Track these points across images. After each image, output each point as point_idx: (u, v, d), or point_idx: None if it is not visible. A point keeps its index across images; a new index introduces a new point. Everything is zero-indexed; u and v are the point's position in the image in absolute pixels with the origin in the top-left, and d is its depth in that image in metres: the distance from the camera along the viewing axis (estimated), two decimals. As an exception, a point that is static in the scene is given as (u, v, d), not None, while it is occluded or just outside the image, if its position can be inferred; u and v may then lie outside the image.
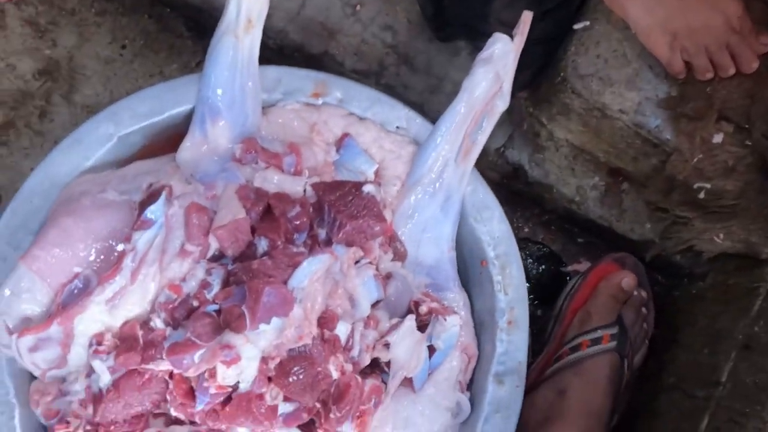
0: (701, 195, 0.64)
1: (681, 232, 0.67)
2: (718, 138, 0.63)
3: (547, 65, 0.72)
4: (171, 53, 0.79)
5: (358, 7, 0.75)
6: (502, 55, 0.60)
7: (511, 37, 0.60)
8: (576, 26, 0.67)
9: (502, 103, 0.61)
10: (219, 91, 0.61)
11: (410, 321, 0.58)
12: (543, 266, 0.80)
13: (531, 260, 0.80)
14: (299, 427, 0.56)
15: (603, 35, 0.66)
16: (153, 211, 0.56)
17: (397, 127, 0.66)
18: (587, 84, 0.65)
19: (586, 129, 0.69)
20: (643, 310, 0.70)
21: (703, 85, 0.63)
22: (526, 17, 0.60)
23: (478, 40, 0.75)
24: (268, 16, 0.63)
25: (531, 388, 0.63)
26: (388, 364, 0.58)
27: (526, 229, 0.81)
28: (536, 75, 0.73)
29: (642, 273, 0.71)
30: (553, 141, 0.73)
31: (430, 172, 0.63)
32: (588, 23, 0.66)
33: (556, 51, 0.71)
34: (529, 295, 0.78)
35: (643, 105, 0.64)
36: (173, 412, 0.55)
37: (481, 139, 0.63)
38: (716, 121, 0.63)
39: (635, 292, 0.69)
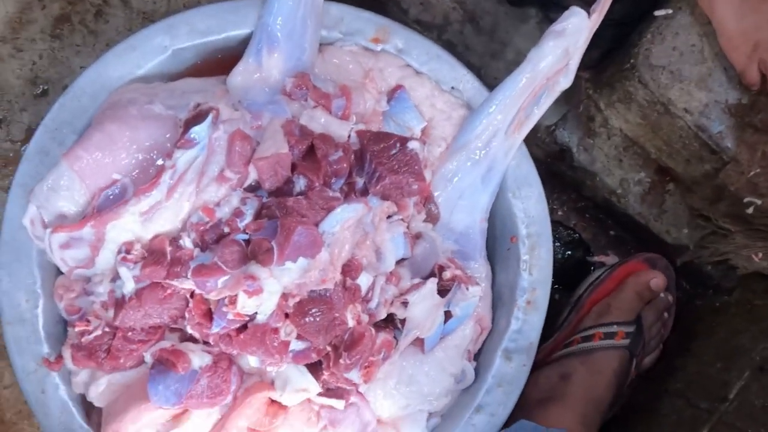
0: (749, 210, 0.62)
1: (719, 244, 0.66)
2: (781, 154, 0.60)
3: (617, 48, 0.69)
4: (234, -29, 0.77)
5: (433, -45, 0.72)
6: (575, 31, 0.58)
7: (589, 13, 0.57)
8: (657, 12, 0.64)
9: (566, 82, 0.59)
10: (280, 21, 0.59)
11: (432, 284, 0.58)
12: (569, 252, 0.80)
13: (559, 244, 0.79)
14: (306, 365, 0.57)
15: (683, 27, 0.63)
16: (197, 132, 0.56)
17: (452, 88, 0.64)
18: (656, 75, 0.62)
19: (644, 122, 0.67)
20: (666, 314, 0.69)
21: (777, 97, 0.60)
22: None
23: (551, 10, 0.72)
24: None
25: (535, 367, 0.64)
26: (403, 321, 0.58)
27: (560, 213, 0.80)
28: (604, 56, 0.70)
29: (672, 277, 0.70)
30: (606, 128, 0.71)
31: (478, 139, 0.61)
32: (670, 11, 0.63)
33: (630, 35, 0.68)
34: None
35: (710, 107, 0.62)
36: (189, 330, 0.56)
37: (537, 114, 0.61)
38: (784, 136, 0.60)
39: (661, 295, 0.68)
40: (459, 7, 0.72)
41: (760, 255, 0.63)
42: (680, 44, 0.62)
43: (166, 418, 0.56)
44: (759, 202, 0.61)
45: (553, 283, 0.79)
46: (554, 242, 0.79)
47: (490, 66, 0.72)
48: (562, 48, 0.58)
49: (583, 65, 0.63)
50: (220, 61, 0.64)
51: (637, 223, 0.74)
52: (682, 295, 0.76)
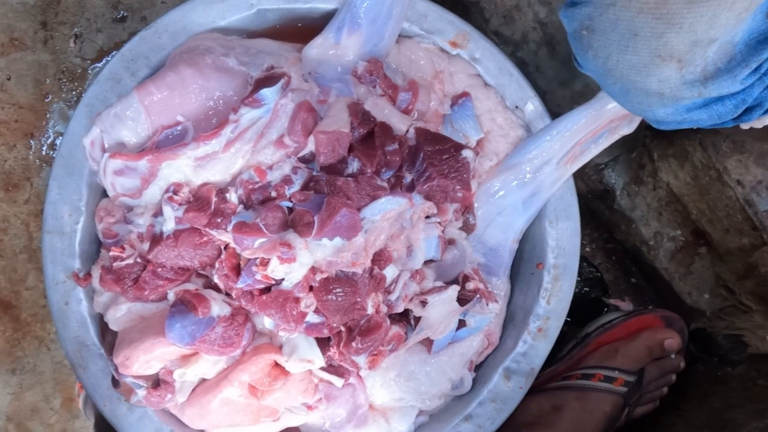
0: (775, 293, 0.63)
1: (736, 318, 0.67)
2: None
3: (683, 104, 0.70)
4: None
5: (526, -29, 0.72)
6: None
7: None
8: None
9: (629, 128, 0.60)
10: (366, 4, 0.60)
11: (453, 291, 0.60)
12: (587, 289, 0.81)
13: (579, 279, 0.80)
14: (316, 338, 0.59)
15: (756, 100, 0.63)
16: (266, 94, 0.58)
17: (516, 107, 0.65)
18: (718, 141, 0.63)
19: (694, 183, 0.68)
20: (673, 376, 0.70)
21: (833, 191, 0.60)
22: None
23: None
24: None
25: (530, 392, 0.65)
26: (417, 319, 0.60)
27: (588, 249, 0.81)
28: (669, 109, 0.70)
29: (685, 340, 0.71)
30: (654, 179, 0.72)
31: (529, 163, 0.63)
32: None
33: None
34: (563, 309, 0.79)
35: (763, 185, 0.62)
36: (215, 279, 0.58)
37: (592, 152, 0.62)
38: (827, 231, 0.60)
39: (672, 356, 0.69)
40: (540, 28, 0.72)
41: (775, 338, 0.64)
42: (749, 116, 0.63)
43: (176, 355, 0.58)
44: (790, 290, 0.62)
45: (566, 315, 0.80)
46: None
47: (556, 92, 0.72)
48: (634, 94, 0.59)
49: (649, 114, 0.63)
50: (299, 29, 0.66)
51: (661, 278, 0.74)
52: (686, 355, 0.77)
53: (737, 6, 0.41)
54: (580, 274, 0.81)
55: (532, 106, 0.65)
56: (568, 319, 0.80)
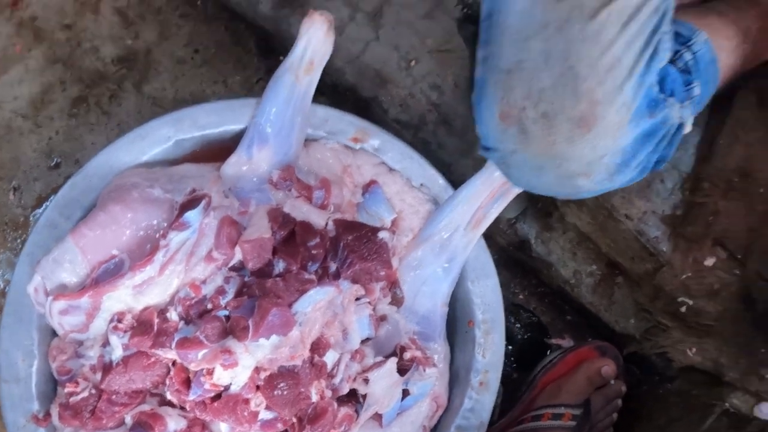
0: (683, 309, 0.69)
1: (659, 337, 0.72)
2: (709, 261, 0.68)
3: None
4: (237, 66, 0.87)
5: (412, 63, 0.81)
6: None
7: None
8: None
9: (517, 189, 0.67)
10: (271, 121, 0.68)
11: (392, 363, 0.64)
12: (529, 334, 0.86)
13: (519, 326, 0.86)
14: (275, 433, 0.63)
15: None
16: (190, 217, 0.64)
17: (421, 185, 0.72)
18: (601, 185, 0.71)
19: (594, 222, 0.75)
20: (618, 401, 0.74)
21: (707, 212, 0.68)
22: None
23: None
24: (331, 55, 0.69)
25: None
26: (364, 396, 0.64)
27: (521, 296, 0.87)
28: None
29: (621, 365, 0.76)
30: (562, 224, 0.79)
31: (441, 232, 0.69)
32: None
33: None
34: (510, 357, 0.84)
35: (647, 215, 0.69)
36: (168, 396, 0.62)
37: (493, 214, 0.69)
38: (712, 245, 0.68)
39: (612, 382, 0.74)
40: (434, 109, 0.81)
41: (694, 350, 0.69)
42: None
43: (141, 477, 0.60)
44: (690, 302, 0.68)
45: (513, 363, 0.85)
46: (515, 323, 0.86)
47: (460, 163, 0.80)
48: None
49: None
50: (217, 150, 0.72)
51: (590, 311, 0.80)
52: (632, 379, 0.82)
53: (610, 131, 0.50)
54: (519, 320, 0.86)
55: (436, 181, 0.72)
56: (517, 366, 0.85)
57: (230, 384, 0.59)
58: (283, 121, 0.68)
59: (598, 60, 0.48)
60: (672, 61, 0.55)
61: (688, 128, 0.57)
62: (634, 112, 0.50)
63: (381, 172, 0.72)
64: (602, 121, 0.49)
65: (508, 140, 0.53)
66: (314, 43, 0.68)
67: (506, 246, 0.83)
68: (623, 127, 0.50)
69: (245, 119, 0.70)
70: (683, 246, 0.68)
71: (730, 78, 0.64)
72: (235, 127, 0.70)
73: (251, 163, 0.69)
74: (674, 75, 0.55)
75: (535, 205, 0.80)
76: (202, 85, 0.86)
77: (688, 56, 0.57)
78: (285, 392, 0.59)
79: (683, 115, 0.55)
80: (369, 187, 0.71)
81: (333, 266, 0.66)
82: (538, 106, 0.50)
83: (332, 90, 0.82)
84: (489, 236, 0.71)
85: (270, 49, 0.87)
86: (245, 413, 0.59)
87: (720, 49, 0.59)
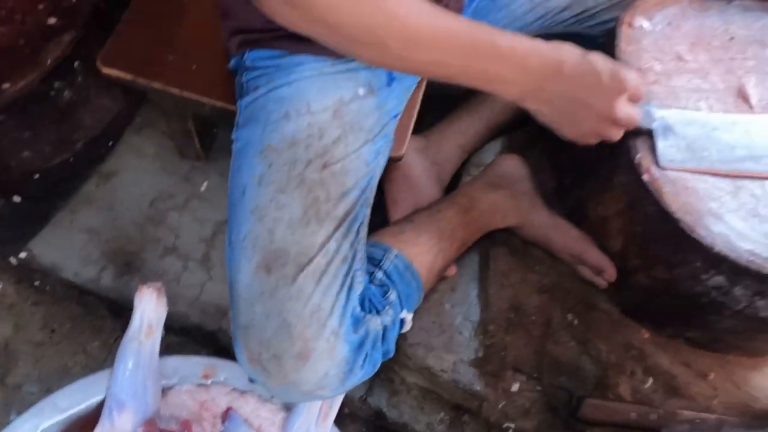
0: (510, 432, 0.82)
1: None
2: (515, 387, 0.83)
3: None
4: (93, 332, 0.97)
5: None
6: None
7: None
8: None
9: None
10: (124, 388, 0.78)
11: None
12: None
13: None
14: None
15: (424, 309, 0.88)
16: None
17: (272, 396, 0.83)
18: (414, 351, 0.86)
19: (424, 377, 0.89)
20: None
21: (499, 348, 0.84)
22: None
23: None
24: (173, 303, 0.81)
25: None
26: None
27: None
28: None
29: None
30: (405, 385, 0.92)
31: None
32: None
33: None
34: None
35: (457, 364, 0.85)
36: None
37: (336, 403, 0.81)
38: (513, 372, 0.83)
39: None
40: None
41: (532, 463, 0.82)
42: (425, 324, 0.87)
43: None
44: (513, 425, 0.82)
45: None
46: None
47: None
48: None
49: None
50: (85, 422, 0.80)
51: (451, 454, 0.92)
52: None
53: (325, 355, 0.67)
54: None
55: (284, 389, 0.83)
56: None
57: None
58: (136, 384, 0.78)
59: (302, 311, 0.66)
60: (371, 281, 0.75)
61: (408, 324, 0.76)
62: (343, 334, 0.67)
63: (234, 397, 0.82)
64: (315, 351, 0.66)
65: (257, 375, 0.70)
66: (148, 310, 0.80)
67: (366, 419, 0.94)
68: (335, 348, 0.67)
69: (103, 389, 0.79)
70: (491, 381, 0.83)
71: (449, 260, 0.84)
72: (98, 398, 0.79)
73: (114, 428, 0.77)
74: (373, 291, 0.74)
75: (378, 376, 0.93)
76: (63, 359, 0.95)
77: (380, 275, 0.76)
78: None
79: (384, 320, 0.73)
80: (227, 413, 0.81)
81: (207, 500, 0.74)
82: (269, 350, 0.67)
83: (181, 332, 0.94)
84: (349, 415, 0.82)
85: (120, 310, 0.98)
86: None
87: (416, 255, 0.79)
